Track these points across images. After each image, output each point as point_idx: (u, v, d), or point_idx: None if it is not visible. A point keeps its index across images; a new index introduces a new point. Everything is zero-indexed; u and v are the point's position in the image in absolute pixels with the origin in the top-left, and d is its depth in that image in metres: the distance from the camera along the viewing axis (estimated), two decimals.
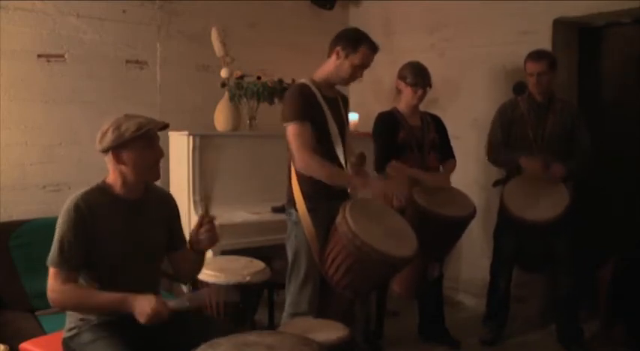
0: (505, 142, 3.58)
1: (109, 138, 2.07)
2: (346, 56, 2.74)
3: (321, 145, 2.70)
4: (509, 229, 3.52)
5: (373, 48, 2.77)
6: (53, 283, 2.03)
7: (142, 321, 1.97)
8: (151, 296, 1.99)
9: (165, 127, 2.19)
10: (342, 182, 2.71)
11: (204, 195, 2.54)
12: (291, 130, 2.67)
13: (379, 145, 3.32)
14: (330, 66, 2.79)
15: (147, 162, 2.12)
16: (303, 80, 2.81)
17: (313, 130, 2.68)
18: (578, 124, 3.50)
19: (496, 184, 3.69)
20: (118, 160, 2.10)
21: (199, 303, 2.16)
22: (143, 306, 1.97)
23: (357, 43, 2.73)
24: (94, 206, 2.08)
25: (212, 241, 2.27)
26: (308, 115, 2.68)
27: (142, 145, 2.09)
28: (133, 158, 2.09)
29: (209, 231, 2.25)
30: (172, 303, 2.05)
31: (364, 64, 2.78)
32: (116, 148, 2.08)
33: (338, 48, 2.76)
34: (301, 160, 2.65)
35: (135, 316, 1.98)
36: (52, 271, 2.05)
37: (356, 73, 2.78)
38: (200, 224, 2.26)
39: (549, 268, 3.60)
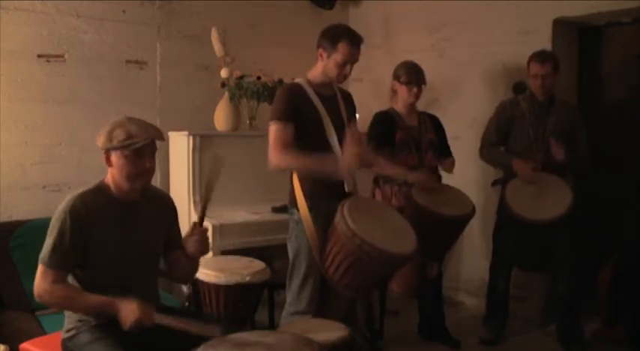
0: (501, 142, 3.58)
1: (102, 139, 2.09)
2: (328, 56, 2.70)
3: (316, 144, 2.68)
4: (508, 229, 3.52)
5: (353, 42, 2.68)
6: (41, 282, 2.03)
7: (124, 327, 1.99)
8: (137, 304, 2.00)
9: (161, 138, 2.16)
10: (318, 169, 2.63)
11: (200, 201, 2.32)
12: (271, 129, 2.68)
13: (372, 144, 3.31)
14: (319, 68, 2.77)
15: (128, 172, 2.09)
16: (297, 80, 2.81)
17: (305, 129, 2.67)
18: (578, 128, 3.50)
19: (495, 183, 3.69)
20: (108, 161, 2.12)
21: (185, 327, 2.09)
22: (127, 313, 1.99)
23: (335, 41, 2.67)
24: (91, 207, 2.08)
25: (202, 251, 2.27)
26: (292, 116, 2.66)
27: (127, 155, 2.08)
28: (117, 163, 2.10)
29: (199, 241, 2.24)
30: (159, 317, 2.04)
31: (348, 61, 2.69)
32: (106, 150, 2.10)
33: (320, 49, 2.73)
34: (270, 159, 2.65)
35: (120, 319, 2.00)
36: (41, 268, 2.04)
37: (342, 70, 2.71)
38: (192, 233, 2.26)
39: (549, 268, 3.59)
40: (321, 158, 2.63)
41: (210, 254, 3.46)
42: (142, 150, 2.09)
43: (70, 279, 2.12)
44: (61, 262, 2.03)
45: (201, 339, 1.88)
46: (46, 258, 2.04)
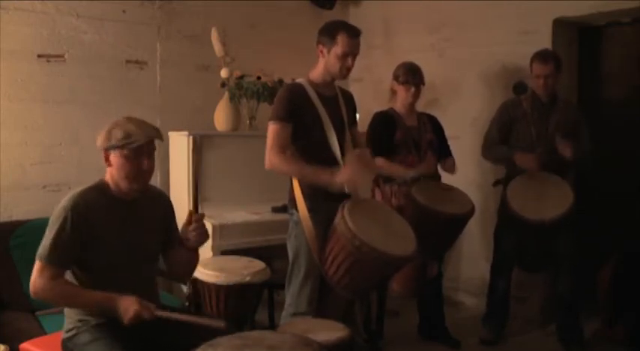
0: (503, 142, 3.58)
1: (101, 138, 2.11)
2: (329, 51, 2.72)
3: (316, 144, 2.69)
4: (509, 229, 3.52)
5: (351, 33, 2.70)
6: (38, 278, 2.02)
7: (124, 322, 1.99)
8: (135, 298, 2.01)
9: (159, 138, 2.16)
10: (312, 179, 2.64)
11: (192, 192, 2.46)
12: (269, 129, 2.69)
13: (373, 145, 3.31)
14: (320, 66, 2.78)
15: (127, 171, 2.10)
16: (298, 80, 2.81)
17: (304, 129, 2.68)
18: (581, 127, 3.49)
19: (496, 183, 3.69)
20: (107, 160, 2.13)
21: (189, 319, 2.11)
22: (127, 307, 1.99)
23: (334, 34, 2.70)
24: (92, 205, 2.09)
25: (201, 239, 2.28)
26: (290, 116, 2.67)
27: (126, 155, 2.08)
28: (116, 163, 2.11)
29: (197, 229, 2.25)
30: (160, 312, 2.05)
31: (348, 52, 2.70)
32: (105, 149, 2.11)
33: (320, 46, 2.75)
34: (267, 159, 2.67)
35: (119, 316, 2.00)
36: (39, 265, 2.03)
37: (344, 63, 2.71)
38: (189, 222, 2.27)
39: (550, 268, 3.59)
40: (315, 170, 2.62)
41: (210, 254, 3.47)
42: (140, 150, 2.10)
43: (69, 277, 2.11)
44: (60, 258, 2.03)
45: (201, 339, 1.88)
46: (44, 254, 2.03)
